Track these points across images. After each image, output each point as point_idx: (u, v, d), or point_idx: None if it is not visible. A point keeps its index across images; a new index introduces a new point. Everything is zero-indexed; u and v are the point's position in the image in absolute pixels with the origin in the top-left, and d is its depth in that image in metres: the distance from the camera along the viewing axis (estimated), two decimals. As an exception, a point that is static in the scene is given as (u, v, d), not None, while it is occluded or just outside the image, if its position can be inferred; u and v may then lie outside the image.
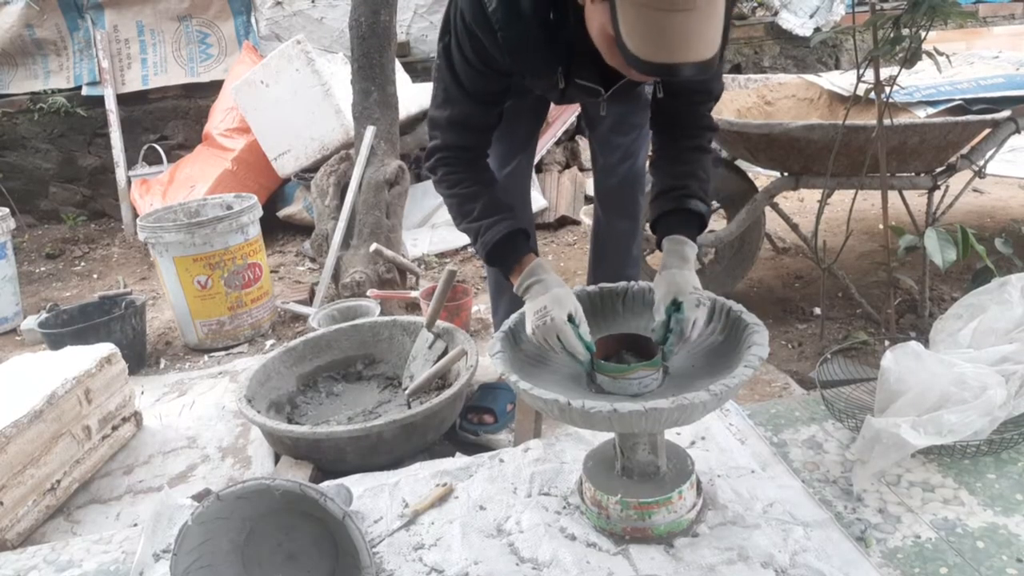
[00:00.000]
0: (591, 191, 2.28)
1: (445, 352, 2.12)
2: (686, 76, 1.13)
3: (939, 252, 1.89)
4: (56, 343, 2.48)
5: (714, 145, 2.86)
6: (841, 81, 3.02)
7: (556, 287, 1.44)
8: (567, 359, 1.41)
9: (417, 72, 4.75)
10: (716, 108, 3.04)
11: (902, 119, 2.27)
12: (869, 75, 2.05)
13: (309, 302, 3.12)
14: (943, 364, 1.54)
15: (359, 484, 1.63)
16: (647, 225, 2.12)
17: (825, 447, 1.66)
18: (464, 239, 3.30)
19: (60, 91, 4.75)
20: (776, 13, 5.28)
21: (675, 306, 1.39)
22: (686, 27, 1.09)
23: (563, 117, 4.32)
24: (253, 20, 4.87)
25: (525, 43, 1.38)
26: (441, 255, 3.71)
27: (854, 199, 2.34)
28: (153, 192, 4.18)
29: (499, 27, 1.36)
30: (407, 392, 2.08)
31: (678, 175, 1.53)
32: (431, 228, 3.95)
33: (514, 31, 1.36)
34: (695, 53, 1.11)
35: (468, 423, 2.02)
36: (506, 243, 1.50)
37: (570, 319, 1.38)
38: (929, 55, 1.92)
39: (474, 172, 1.57)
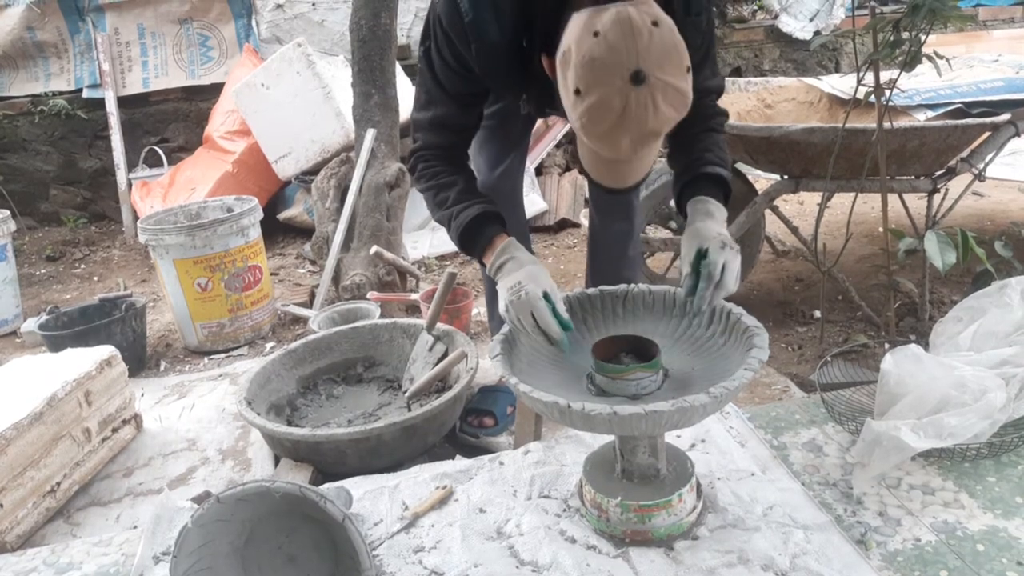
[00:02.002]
0: (591, 194, 2.28)
1: (445, 355, 2.12)
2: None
3: (939, 255, 1.89)
4: (56, 345, 2.48)
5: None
6: (841, 84, 3.02)
7: (530, 264, 1.43)
8: (540, 342, 1.39)
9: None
10: (716, 111, 3.02)
11: (902, 122, 2.27)
12: (869, 78, 2.05)
13: (309, 304, 3.12)
14: (943, 367, 1.55)
15: (359, 487, 1.63)
16: (645, 227, 2.11)
17: (825, 450, 1.66)
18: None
19: (61, 93, 4.76)
20: (776, 16, 5.29)
21: (702, 255, 1.38)
22: (626, 169, 1.27)
23: (564, 120, 4.32)
24: (254, 23, 4.88)
25: (496, 62, 1.40)
26: (441, 257, 3.71)
27: (854, 202, 2.34)
28: (153, 194, 4.19)
29: (472, 39, 1.38)
30: (407, 394, 2.08)
31: (692, 152, 1.53)
32: (431, 231, 3.95)
33: (486, 47, 1.38)
34: (632, 180, 1.30)
35: (468, 426, 2.02)
36: (477, 224, 1.49)
37: (545, 297, 1.38)
38: (929, 58, 1.92)
39: (451, 165, 1.58)
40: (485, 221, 1.50)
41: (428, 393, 2.08)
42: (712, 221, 1.44)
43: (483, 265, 1.54)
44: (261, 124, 4.00)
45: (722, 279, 1.36)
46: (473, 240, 1.51)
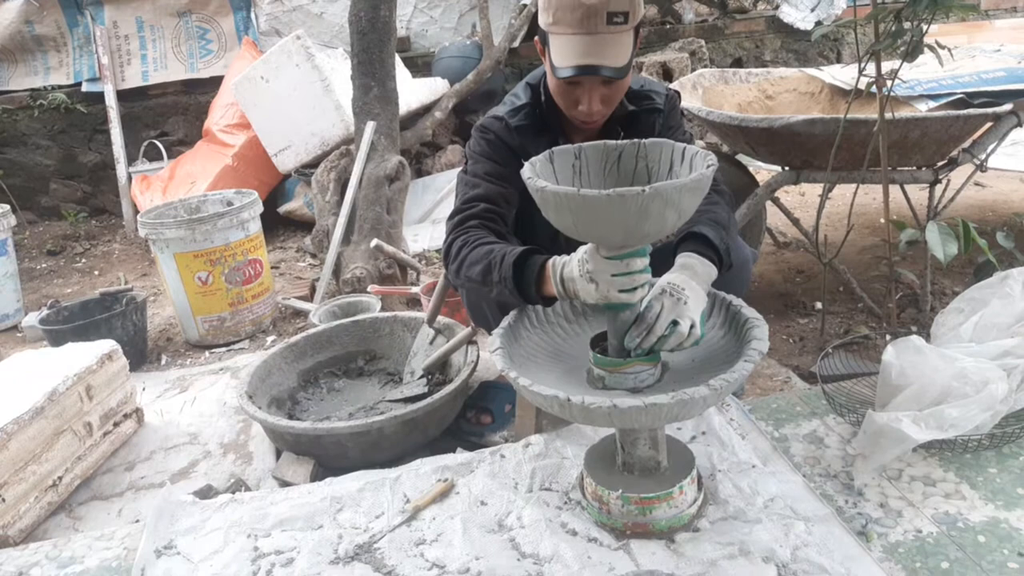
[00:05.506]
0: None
1: (446, 348, 2.12)
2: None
3: (940, 246, 1.88)
4: (57, 340, 2.48)
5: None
6: (842, 75, 3.01)
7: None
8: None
9: (417, 67, 4.74)
10: (717, 102, 3.02)
11: (903, 113, 2.26)
12: (870, 69, 2.05)
13: (310, 298, 3.12)
14: (944, 358, 1.54)
15: (360, 479, 1.63)
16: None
17: (826, 442, 1.66)
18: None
19: (60, 87, 4.75)
20: (777, 7, 5.26)
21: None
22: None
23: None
24: (253, 15, 4.87)
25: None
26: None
27: (855, 193, 2.33)
28: (154, 188, 4.18)
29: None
30: (423, 366, 2.09)
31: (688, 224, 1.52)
32: (432, 224, 3.95)
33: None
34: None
35: (467, 423, 2.01)
36: (525, 254, 1.43)
37: None
38: (931, 49, 1.91)
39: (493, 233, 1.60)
40: (533, 251, 1.44)
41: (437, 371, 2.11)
42: (680, 271, 1.38)
43: (535, 293, 1.43)
44: (261, 117, 3.99)
45: (655, 324, 1.30)
46: (523, 270, 1.43)
